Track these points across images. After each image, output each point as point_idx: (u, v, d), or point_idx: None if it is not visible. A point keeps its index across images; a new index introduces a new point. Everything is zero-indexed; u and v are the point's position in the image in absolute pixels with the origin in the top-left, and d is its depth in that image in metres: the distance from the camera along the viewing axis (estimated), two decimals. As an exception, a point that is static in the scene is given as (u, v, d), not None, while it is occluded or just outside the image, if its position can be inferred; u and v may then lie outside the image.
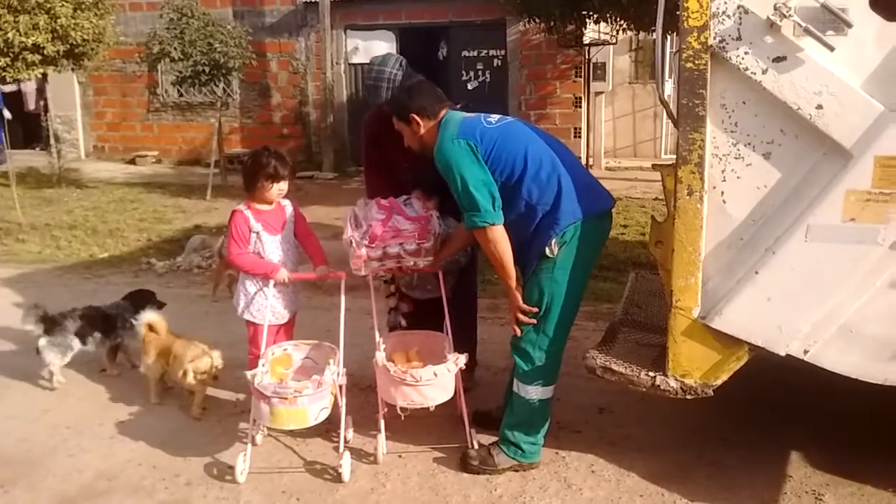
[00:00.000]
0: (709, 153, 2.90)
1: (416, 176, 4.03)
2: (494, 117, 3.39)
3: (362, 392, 4.29)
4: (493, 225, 3.20)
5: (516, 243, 3.35)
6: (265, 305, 3.76)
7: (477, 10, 12.67)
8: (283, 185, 3.80)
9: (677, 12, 2.92)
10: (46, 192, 11.35)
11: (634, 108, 13.53)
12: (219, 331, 5.35)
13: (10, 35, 10.33)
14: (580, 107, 12.61)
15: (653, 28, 10.01)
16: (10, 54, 10.58)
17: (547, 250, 3.19)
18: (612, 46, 12.32)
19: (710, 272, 2.96)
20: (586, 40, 11.70)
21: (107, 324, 4.64)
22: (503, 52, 12.87)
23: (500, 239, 3.23)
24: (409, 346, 3.87)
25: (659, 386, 3.01)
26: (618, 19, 9.94)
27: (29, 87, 15.00)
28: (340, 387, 3.47)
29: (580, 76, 12.57)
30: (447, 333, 3.81)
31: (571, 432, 3.83)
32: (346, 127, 13.72)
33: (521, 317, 3.34)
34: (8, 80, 10.97)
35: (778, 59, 2.77)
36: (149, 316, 4.32)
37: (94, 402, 4.30)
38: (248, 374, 3.30)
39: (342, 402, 3.51)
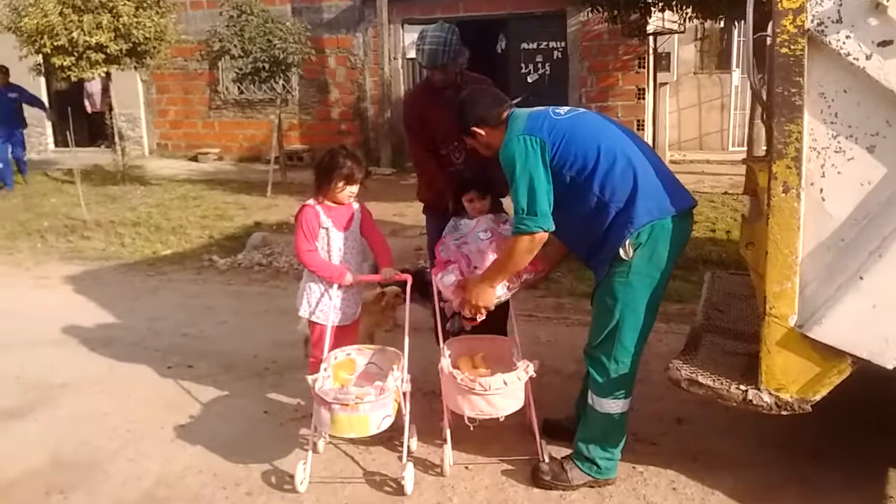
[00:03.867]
0: (806, 147, 2.65)
1: (469, 171, 3.86)
2: (564, 109, 3.20)
3: (426, 398, 4.14)
4: (544, 232, 3.04)
5: (586, 244, 3.15)
6: (329, 306, 3.64)
7: (536, 1, 12.40)
8: (355, 188, 3.67)
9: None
10: (111, 189, 11.51)
11: (700, 98, 13.07)
12: (278, 330, 5.29)
13: (74, 34, 10.51)
14: (643, 98, 12.23)
15: (720, 16, 9.65)
16: (75, 53, 10.77)
17: (621, 252, 2.98)
18: (676, 36, 11.93)
19: (807, 277, 2.71)
20: (650, 29, 11.33)
21: None
22: (563, 44, 12.54)
23: (537, 248, 3.09)
24: (474, 352, 3.70)
25: (751, 401, 2.77)
26: (684, 7, 9.57)
27: (94, 87, 15.27)
28: (405, 394, 3.32)
29: (643, 67, 12.18)
30: (515, 338, 3.64)
31: (649, 445, 3.61)
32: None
33: (471, 312, 3.30)
34: (73, 78, 11.16)
35: (883, 44, 2.50)
36: None
37: (156, 403, 4.24)
38: (310, 378, 3.17)
39: (406, 410, 3.36)
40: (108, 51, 10.88)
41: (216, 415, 4.07)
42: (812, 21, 2.56)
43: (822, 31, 2.56)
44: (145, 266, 7.64)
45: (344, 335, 3.75)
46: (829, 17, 2.55)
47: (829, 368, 2.71)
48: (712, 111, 13.05)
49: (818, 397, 2.74)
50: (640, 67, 12.18)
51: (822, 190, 2.67)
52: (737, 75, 12.55)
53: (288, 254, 7.54)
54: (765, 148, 3.33)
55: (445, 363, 3.33)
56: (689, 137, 13.24)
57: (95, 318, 5.84)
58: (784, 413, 2.77)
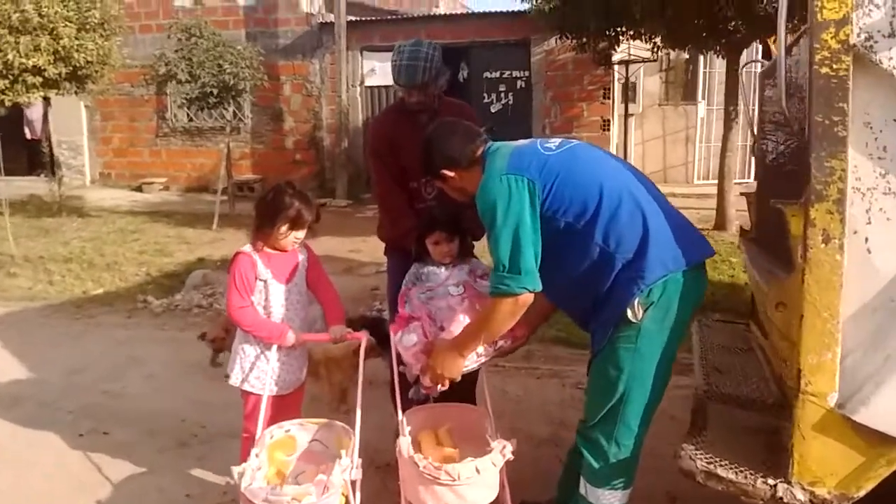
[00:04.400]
0: (849, 187, 2.16)
1: (438, 207, 3.32)
2: (555, 141, 2.66)
3: (379, 474, 3.54)
4: (529, 294, 2.49)
5: (583, 304, 2.61)
6: (267, 372, 3.05)
7: (500, 29, 12.04)
8: (301, 234, 3.09)
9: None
10: (45, 222, 10.75)
11: (665, 130, 12.78)
12: (212, 387, 4.63)
13: (9, 56, 9.80)
14: (608, 129, 11.90)
15: (689, 46, 9.33)
16: (10, 76, 10.05)
17: (629, 313, 2.43)
18: (642, 67, 11.64)
19: (849, 345, 2.20)
20: (617, 58, 11.01)
21: None
22: (527, 73, 12.18)
23: (520, 313, 2.53)
24: (438, 424, 3.10)
25: (782, 498, 2.24)
26: (653, 36, 9.23)
27: (35, 113, 14.46)
28: (353, 482, 2.72)
29: (608, 97, 11.86)
30: (487, 407, 3.07)
31: (643, 532, 3.06)
32: (362, 152, 13.06)
33: (432, 382, 2.78)
34: (7, 103, 10.42)
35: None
36: None
37: (59, 481, 3.57)
38: (235, 470, 2.55)
39: (356, 502, 2.76)
40: (47, 74, 10.19)
41: (128, 498, 3.41)
42: (858, 35, 2.08)
43: (871, 46, 2.08)
44: (72, 308, 6.92)
45: (285, 406, 3.15)
46: (879, 31, 2.07)
47: (875, 458, 2.19)
48: (677, 143, 12.76)
49: (862, 493, 2.22)
50: (604, 98, 11.85)
51: (867, 240, 2.18)
52: (702, 107, 12.29)
53: (231, 294, 6.89)
54: (753, 180, 2.85)
55: (404, 443, 2.74)
56: (653, 170, 12.91)
57: (6, 371, 5.13)
58: (822, 514, 2.24)
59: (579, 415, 4.25)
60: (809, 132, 2.18)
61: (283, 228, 3.03)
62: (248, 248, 3.11)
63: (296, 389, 3.22)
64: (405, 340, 2.86)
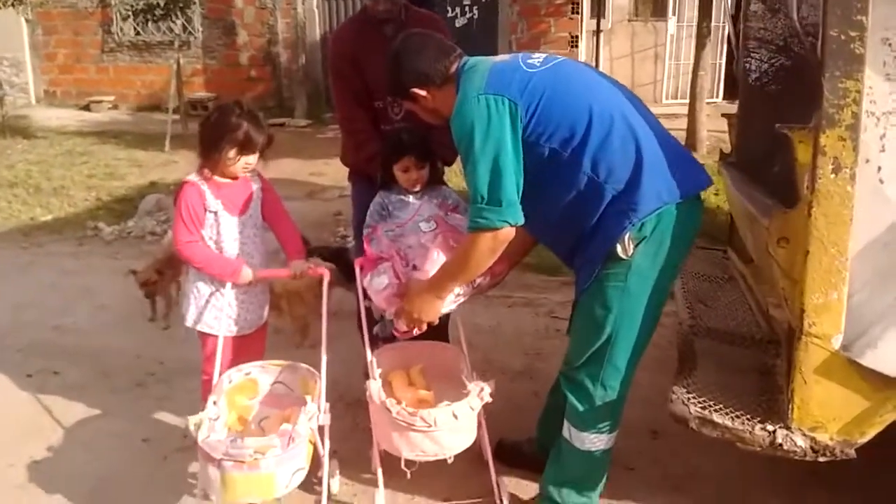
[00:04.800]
0: (863, 111, 1.96)
1: (408, 130, 3.07)
2: (538, 57, 2.40)
3: (349, 410, 3.39)
4: (511, 227, 2.26)
5: (569, 239, 2.40)
6: (222, 311, 2.82)
7: (463, -62, 11.47)
8: (252, 160, 2.80)
9: None
10: (-13, 144, 10.17)
11: (633, 48, 12.43)
12: (173, 323, 4.42)
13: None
14: (577, 46, 11.51)
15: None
16: (-62, -14, 9.36)
17: (618, 249, 2.23)
18: (610, -21, 11.22)
19: (855, 284, 2.05)
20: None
21: None
22: (492, -14, 11.69)
23: (500, 248, 2.32)
24: (409, 363, 2.94)
25: (781, 445, 2.12)
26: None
27: (-29, 26, 13.57)
28: (321, 427, 2.55)
29: (576, 12, 11.43)
30: (462, 346, 2.91)
31: (624, 470, 2.95)
32: (321, 68, 12.51)
33: (408, 326, 2.60)
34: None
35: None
36: None
37: (8, 429, 3.34)
38: (191, 421, 2.35)
39: (324, 448, 2.60)
40: (-21, -16, 9.51)
41: (82, 445, 3.20)
42: (883, -62, 1.86)
43: (897, -50, 1.86)
44: (19, 236, 6.55)
45: (246, 347, 2.93)
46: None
47: (881, 402, 2.07)
48: (646, 61, 12.41)
49: (865, 439, 2.11)
50: (573, 13, 11.41)
51: (880, 169, 2.01)
52: (672, 23, 11.93)
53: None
54: (722, 99, 2.63)
55: (374, 387, 2.56)
56: (620, 88, 12.63)
57: (-54, 307, 4.83)
58: (822, 459, 2.13)
59: (554, 345, 4.19)
60: (822, 49, 1.97)
61: (231, 153, 2.73)
62: (194, 176, 2.82)
63: (258, 329, 3.00)
64: (375, 283, 2.65)
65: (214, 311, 2.84)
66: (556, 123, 2.24)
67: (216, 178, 2.79)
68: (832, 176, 1.97)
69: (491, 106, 2.22)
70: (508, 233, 2.27)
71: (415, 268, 2.60)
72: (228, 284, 2.80)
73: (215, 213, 2.79)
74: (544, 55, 2.43)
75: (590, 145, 2.23)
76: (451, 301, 2.57)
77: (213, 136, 2.75)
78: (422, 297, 2.51)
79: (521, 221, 2.26)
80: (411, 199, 2.92)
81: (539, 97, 2.24)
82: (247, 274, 2.78)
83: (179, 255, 2.85)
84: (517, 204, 2.24)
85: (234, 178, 2.82)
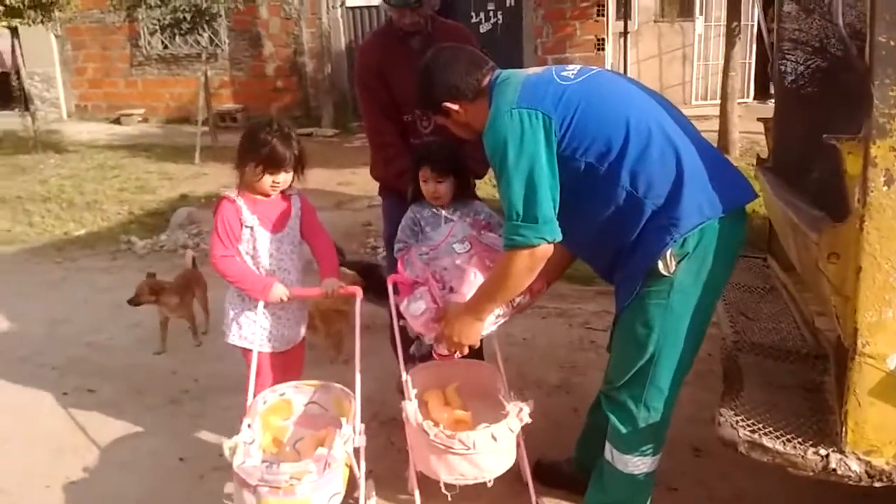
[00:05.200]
0: (917, 121, 1.89)
1: (437, 141, 3.04)
2: (572, 69, 2.34)
3: (384, 429, 3.35)
4: (548, 245, 2.21)
5: (608, 255, 2.34)
6: (257, 327, 2.81)
7: (488, -57, 11.42)
8: (282, 178, 2.79)
9: None
10: (21, 159, 10.30)
11: (661, 49, 12.31)
12: (208, 340, 4.44)
13: (-34, -16, 9.24)
14: (603, 49, 11.41)
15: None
16: (-30, 6, 9.51)
17: (660, 265, 2.17)
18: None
19: (911, 300, 1.97)
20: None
21: None
22: (517, -9, 11.63)
23: (539, 266, 2.26)
24: (445, 382, 2.90)
25: (834, 470, 2.04)
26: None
27: (2, 44, 13.78)
28: (356, 449, 2.52)
29: (602, 15, 11.33)
30: (498, 365, 2.86)
31: (667, 491, 2.87)
32: (346, 78, 12.55)
33: (450, 351, 2.54)
34: (-31, 34, 9.89)
35: None
36: None
37: (43, 448, 3.35)
38: (226, 445, 2.32)
39: (360, 471, 2.56)
40: (8, 2, 9.61)
41: (119, 465, 3.20)
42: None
43: (951, -47, 1.79)
44: (53, 251, 6.62)
45: (285, 364, 2.93)
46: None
47: (939, 424, 1.99)
48: (674, 62, 12.29)
49: (923, 462, 2.03)
50: (598, 16, 11.32)
51: (934, 181, 1.93)
52: (700, 23, 11.79)
53: (218, 234, 6.60)
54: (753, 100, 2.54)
55: (411, 409, 2.52)
56: (648, 90, 12.50)
57: (-19, 324, 4.88)
58: (877, 484, 2.04)
59: (590, 358, 4.13)
60: (871, 55, 1.89)
61: (257, 170, 2.74)
62: (231, 191, 2.84)
63: (296, 346, 3.00)
64: (412, 309, 2.60)
65: (251, 327, 2.82)
66: (592, 137, 2.18)
67: (251, 194, 2.80)
68: (884, 188, 1.90)
69: (525, 120, 2.17)
70: (546, 250, 2.21)
71: (451, 290, 2.56)
72: (261, 301, 2.78)
73: (251, 228, 2.79)
74: (578, 67, 2.37)
75: (627, 159, 2.17)
76: (491, 322, 2.52)
77: (241, 151, 2.77)
78: (461, 320, 2.46)
79: (559, 238, 2.21)
80: (443, 213, 2.88)
81: (574, 110, 2.19)
82: (277, 292, 2.76)
83: (214, 269, 2.84)
84: (554, 220, 2.18)
85: (266, 195, 2.81)
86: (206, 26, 10.29)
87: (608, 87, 2.30)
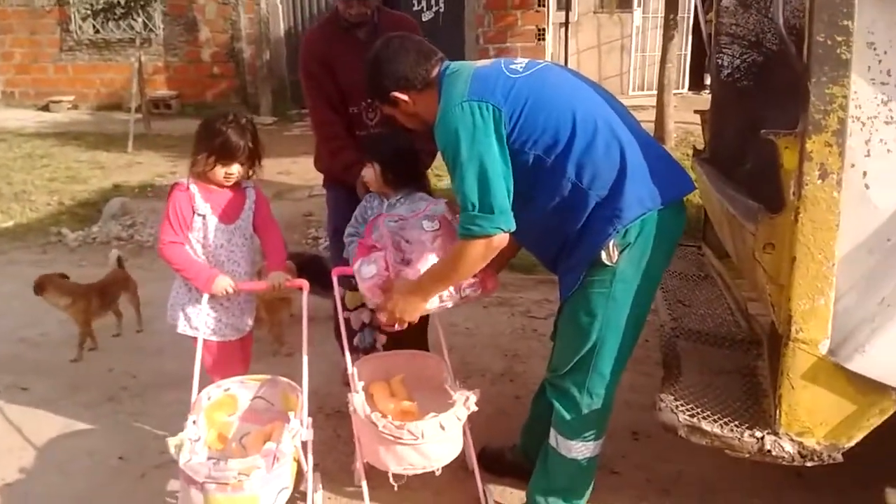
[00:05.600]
0: (849, 116, 1.96)
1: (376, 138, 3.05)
2: (521, 62, 2.37)
3: (329, 421, 3.34)
4: (504, 234, 2.24)
5: (553, 245, 2.38)
6: (200, 315, 2.79)
7: (427, -70, 11.37)
8: (234, 170, 2.77)
9: None
10: (-57, 147, 9.88)
11: (600, 40, 12.46)
12: (146, 335, 4.34)
13: None
14: (543, 39, 11.50)
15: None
16: None
17: (603, 255, 2.22)
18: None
19: (841, 288, 2.05)
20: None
21: None
22: (458, -21, 11.61)
23: (492, 255, 2.30)
24: (390, 373, 2.91)
25: (769, 451, 2.11)
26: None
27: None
28: (304, 443, 2.50)
29: (543, 5, 11.41)
30: (443, 354, 2.88)
31: (608, 474, 2.94)
32: (286, 65, 12.35)
33: (388, 322, 2.56)
34: None
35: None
36: None
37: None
38: (171, 443, 2.28)
39: (308, 464, 2.55)
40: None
41: (56, 465, 3.11)
42: (866, -58, 1.85)
43: (880, -45, 1.86)
44: (-21, 243, 6.38)
45: (230, 355, 2.91)
46: (888, -63, 1.84)
47: (868, 407, 2.07)
48: (612, 53, 12.45)
49: (852, 443, 2.11)
50: (539, 6, 11.39)
51: (865, 174, 2.01)
52: (638, 15, 11.97)
53: (153, 224, 6.44)
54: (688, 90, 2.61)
55: (358, 401, 2.52)
56: (587, 80, 12.63)
57: None
58: (809, 464, 2.13)
59: (532, 346, 4.18)
60: (808, 54, 1.96)
61: (210, 160, 2.72)
62: (185, 179, 2.81)
63: (245, 335, 3.00)
64: (364, 270, 2.60)
65: (199, 316, 2.79)
66: (541, 129, 2.22)
67: (205, 183, 2.77)
68: (819, 182, 1.96)
69: (475, 112, 2.19)
70: (502, 239, 2.24)
71: (407, 263, 2.56)
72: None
73: (203, 216, 2.77)
74: (526, 60, 2.40)
75: (574, 151, 2.21)
76: (434, 304, 2.53)
77: (197, 141, 2.76)
78: (406, 298, 2.48)
79: (514, 227, 2.24)
80: (397, 205, 2.87)
81: (523, 103, 2.22)
82: (222, 284, 2.72)
83: (160, 255, 2.79)
84: (509, 210, 2.22)
85: (221, 186, 2.77)
86: (140, 11, 9.99)
87: (555, 81, 2.33)
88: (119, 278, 4.39)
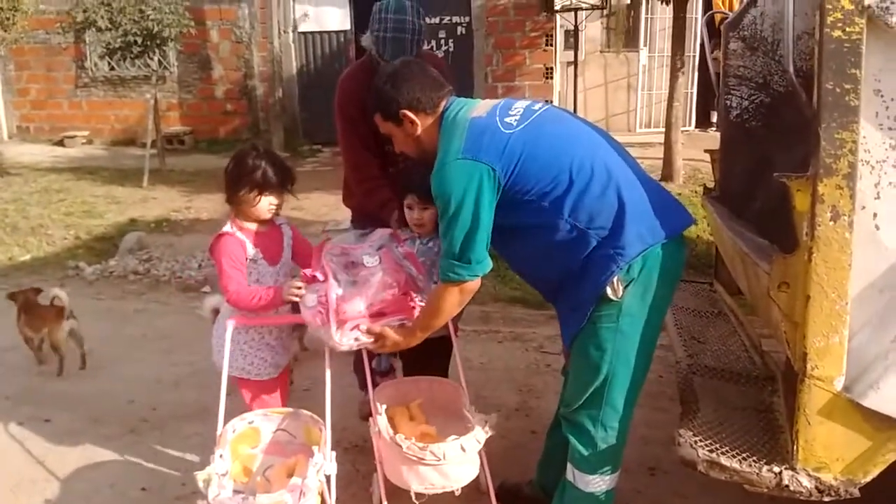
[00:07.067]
0: (858, 160, 2.04)
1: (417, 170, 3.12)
2: (517, 111, 2.44)
3: (347, 455, 3.38)
4: (477, 280, 2.43)
5: (555, 282, 2.48)
6: (257, 354, 2.95)
7: (438, -28, 11.62)
8: (276, 199, 2.84)
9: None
10: (-39, 182, 10.04)
11: (606, 78, 12.64)
12: (159, 362, 4.40)
13: None
14: (551, 78, 11.69)
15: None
16: (-88, 25, 9.28)
17: (608, 291, 2.31)
18: (583, 13, 11.40)
19: (855, 326, 2.11)
20: (557, 5, 10.75)
21: None
22: (468, 19, 11.79)
23: (467, 299, 2.49)
24: (408, 399, 2.99)
25: (787, 486, 2.16)
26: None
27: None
28: (328, 477, 2.56)
29: (550, 44, 11.62)
30: (461, 381, 2.95)
31: (624, 510, 2.98)
32: (297, 102, 12.57)
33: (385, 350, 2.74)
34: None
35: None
36: None
37: (2, 475, 3.29)
38: (199, 477, 2.33)
39: (331, 498, 2.60)
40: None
41: (80, 497, 3.16)
42: (874, -4, 1.94)
43: (887, 8, 1.95)
44: (-2, 277, 6.48)
45: (270, 391, 3.02)
46: (896, -9, 1.93)
47: (883, 442, 2.12)
48: (619, 91, 12.62)
49: (868, 478, 2.16)
50: (547, 45, 11.61)
51: (875, 216, 2.08)
52: (644, 54, 12.16)
53: (168, 259, 6.54)
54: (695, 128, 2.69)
55: (382, 423, 2.62)
56: (595, 119, 12.79)
57: (-74, 353, 4.74)
58: (826, 499, 2.17)
59: (546, 381, 4.22)
60: (818, 101, 2.04)
61: (252, 194, 2.79)
62: (229, 226, 2.87)
63: (283, 370, 3.10)
64: (307, 300, 2.70)
65: (248, 354, 2.93)
66: (535, 180, 2.32)
67: (247, 224, 2.85)
68: (831, 223, 2.04)
69: (468, 172, 2.30)
70: (475, 285, 2.45)
71: (345, 300, 2.65)
72: (251, 329, 2.89)
73: (255, 261, 2.85)
74: (523, 108, 2.45)
75: (569, 197, 2.31)
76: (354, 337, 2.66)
77: (232, 178, 2.82)
78: (396, 342, 2.66)
79: (487, 270, 2.41)
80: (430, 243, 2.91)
81: (517, 160, 2.32)
82: (288, 292, 2.75)
83: (233, 306, 2.83)
84: (486, 258, 2.39)
85: (261, 220, 2.86)
86: (156, 50, 10.20)
87: (551, 130, 2.41)
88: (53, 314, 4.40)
